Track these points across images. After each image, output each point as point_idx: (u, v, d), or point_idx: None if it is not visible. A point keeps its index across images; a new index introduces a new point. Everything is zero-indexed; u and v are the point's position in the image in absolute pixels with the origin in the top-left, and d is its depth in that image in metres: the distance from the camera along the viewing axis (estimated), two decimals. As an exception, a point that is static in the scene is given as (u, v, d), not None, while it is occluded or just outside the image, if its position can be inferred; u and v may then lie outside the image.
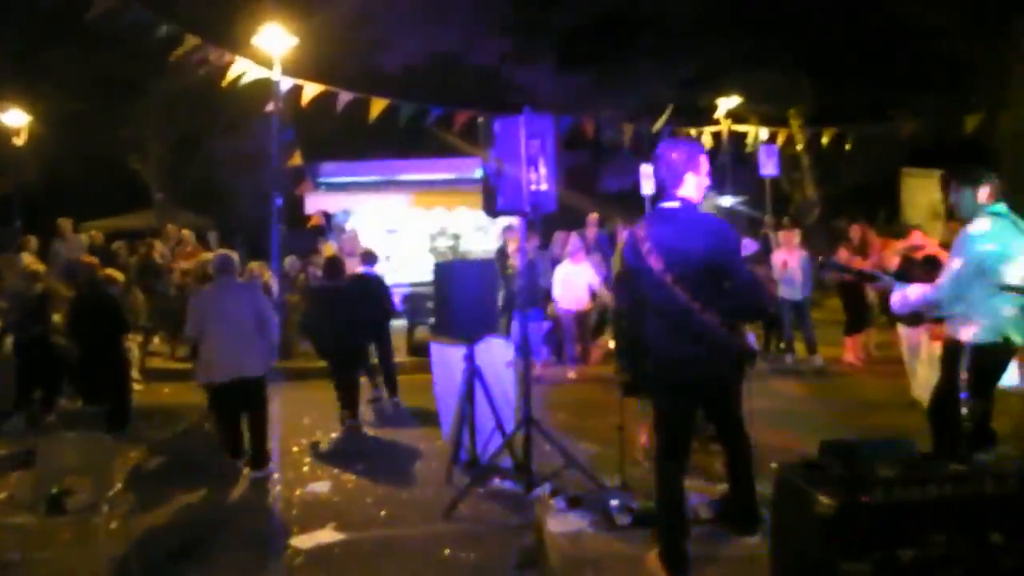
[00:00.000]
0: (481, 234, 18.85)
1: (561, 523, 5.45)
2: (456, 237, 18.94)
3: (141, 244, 17.16)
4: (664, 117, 17.24)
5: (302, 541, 5.88)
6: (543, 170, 6.12)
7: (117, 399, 9.15)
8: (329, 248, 14.05)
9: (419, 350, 12.96)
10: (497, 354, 7.30)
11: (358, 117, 14.06)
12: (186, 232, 14.87)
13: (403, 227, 18.62)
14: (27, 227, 17.06)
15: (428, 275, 17.48)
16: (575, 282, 11.63)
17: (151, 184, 21.80)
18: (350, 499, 6.87)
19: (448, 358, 7.45)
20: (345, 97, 13.54)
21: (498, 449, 6.74)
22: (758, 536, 4.93)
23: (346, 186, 17.89)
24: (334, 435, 8.97)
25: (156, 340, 13.43)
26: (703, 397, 4.72)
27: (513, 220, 17.47)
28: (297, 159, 13.56)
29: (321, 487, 7.14)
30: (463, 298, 6.96)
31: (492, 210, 6.41)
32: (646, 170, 18.18)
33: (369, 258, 10.49)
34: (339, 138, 18.05)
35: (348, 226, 17.64)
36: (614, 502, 5.60)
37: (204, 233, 19.03)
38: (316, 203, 17.01)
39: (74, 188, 21.18)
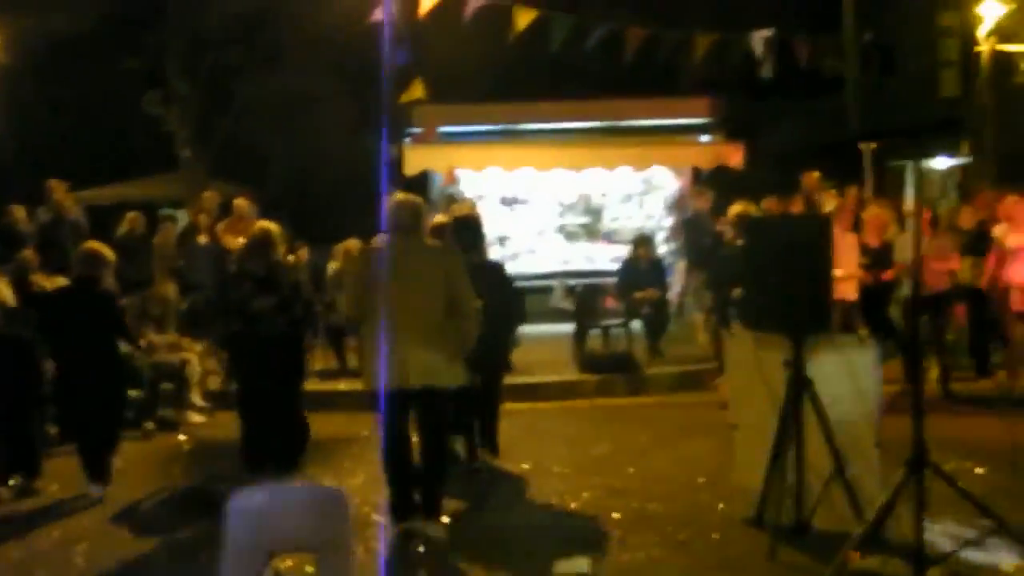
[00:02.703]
0: (633, 206, 17.98)
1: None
2: (595, 212, 17.98)
3: (165, 219, 16.38)
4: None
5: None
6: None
7: (102, 433, 8.42)
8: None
9: (594, 365, 12.54)
10: (847, 360, 6.60)
11: (489, 36, 13.18)
12: (241, 202, 13.88)
13: (529, 196, 17.73)
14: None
15: (590, 263, 17.12)
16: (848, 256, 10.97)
17: (176, 137, 20.90)
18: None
19: (757, 363, 6.73)
20: (476, 3, 12.63)
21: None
22: None
23: (457, 137, 16.97)
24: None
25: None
26: None
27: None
28: (419, 91, 12.61)
29: (576, 568, 6.17)
30: (786, 274, 6.35)
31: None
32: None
33: None
34: (450, 71, 17.06)
35: (456, 192, 16.75)
36: None
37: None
38: (418, 161, 16.09)
39: (65, 141, 20.76)
